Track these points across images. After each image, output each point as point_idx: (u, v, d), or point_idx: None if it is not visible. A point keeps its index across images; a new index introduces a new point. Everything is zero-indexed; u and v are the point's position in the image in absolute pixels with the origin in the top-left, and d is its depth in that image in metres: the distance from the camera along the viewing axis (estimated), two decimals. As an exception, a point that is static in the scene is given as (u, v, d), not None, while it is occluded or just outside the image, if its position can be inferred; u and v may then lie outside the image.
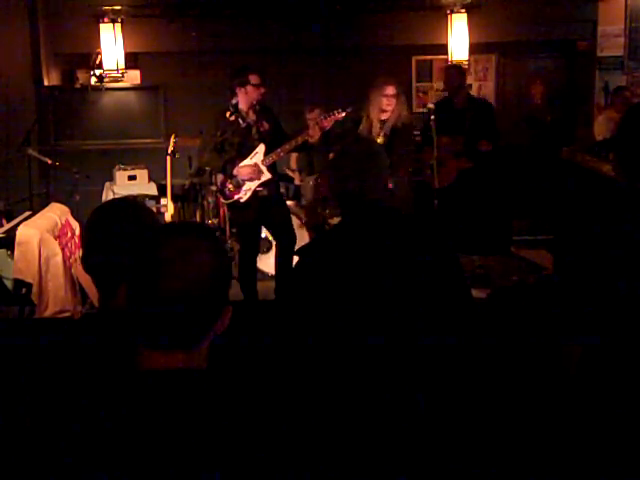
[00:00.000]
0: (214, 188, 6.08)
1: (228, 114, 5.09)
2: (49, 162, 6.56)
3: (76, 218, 5.30)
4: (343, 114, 5.19)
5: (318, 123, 5.20)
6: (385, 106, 5.33)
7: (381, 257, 2.24)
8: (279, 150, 5.16)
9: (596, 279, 2.05)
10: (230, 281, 1.38)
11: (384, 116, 5.39)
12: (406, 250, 2.27)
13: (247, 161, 5.15)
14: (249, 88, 5.05)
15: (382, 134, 5.37)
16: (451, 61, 7.82)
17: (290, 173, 6.97)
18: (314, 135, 5.10)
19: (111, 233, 1.85)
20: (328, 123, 5.17)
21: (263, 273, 5.98)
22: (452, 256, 2.35)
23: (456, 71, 6.33)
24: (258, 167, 5.15)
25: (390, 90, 5.34)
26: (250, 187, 5.18)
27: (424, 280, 2.23)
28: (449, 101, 6.19)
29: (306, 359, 2.19)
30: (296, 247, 5.47)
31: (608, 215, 2.15)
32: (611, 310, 2.04)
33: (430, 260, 2.28)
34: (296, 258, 5.74)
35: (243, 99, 5.10)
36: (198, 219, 6.80)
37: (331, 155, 6.57)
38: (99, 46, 7.57)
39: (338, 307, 2.20)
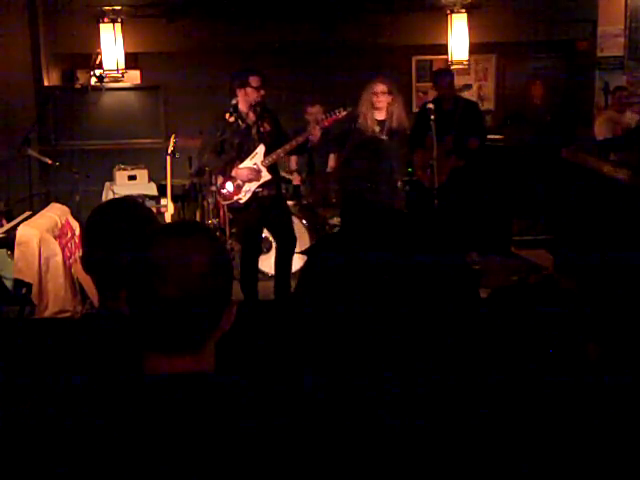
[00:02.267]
0: (214, 188, 6.08)
1: (228, 115, 5.10)
2: (49, 162, 6.56)
3: (76, 218, 5.30)
4: (344, 113, 5.19)
5: (319, 123, 5.20)
6: (375, 103, 5.29)
7: (391, 260, 2.24)
8: (279, 151, 5.16)
9: (596, 277, 2.06)
10: (232, 278, 1.36)
11: (379, 115, 5.35)
12: (415, 252, 2.28)
13: (247, 162, 5.15)
14: (249, 90, 5.06)
15: (383, 135, 5.33)
16: (452, 61, 7.84)
17: (287, 175, 6.97)
18: (315, 135, 5.10)
19: (110, 233, 1.85)
20: (329, 122, 5.17)
21: (263, 273, 5.97)
22: (460, 259, 2.36)
23: (451, 80, 6.44)
24: (257, 168, 5.15)
25: (379, 87, 5.30)
26: (249, 188, 5.18)
27: (432, 282, 2.23)
28: (438, 102, 6.22)
29: (316, 361, 2.19)
30: (296, 248, 5.47)
31: (608, 214, 2.18)
32: (613, 307, 2.05)
33: (439, 263, 2.28)
34: (301, 258, 5.73)
35: (243, 100, 5.11)
36: (198, 219, 6.79)
37: (333, 156, 6.61)
38: (99, 46, 7.58)
39: (347, 308, 2.20)
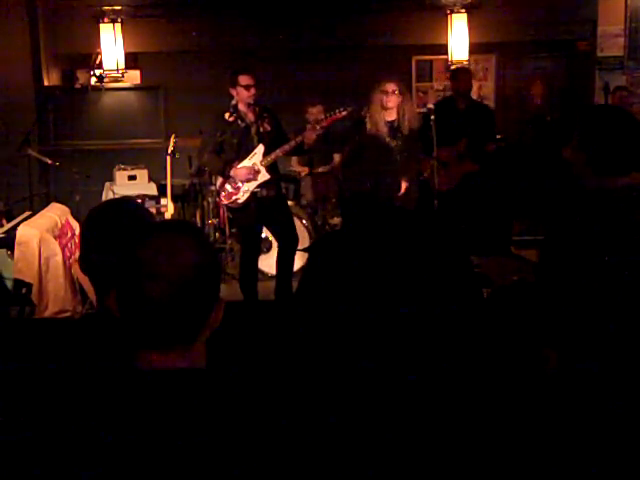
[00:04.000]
0: (214, 188, 6.09)
1: (227, 115, 5.10)
2: (49, 162, 6.57)
3: (76, 218, 5.31)
4: (344, 113, 5.18)
5: (318, 123, 5.20)
6: (385, 103, 5.21)
7: (394, 257, 2.24)
8: (278, 151, 5.16)
9: (572, 281, 2.08)
10: (219, 277, 1.37)
11: (389, 116, 5.27)
12: (418, 251, 2.27)
13: (245, 162, 5.16)
14: (239, 89, 5.08)
15: (392, 137, 5.25)
16: (452, 62, 7.83)
17: (296, 168, 6.94)
18: (310, 138, 5.09)
19: (108, 233, 1.85)
20: (328, 123, 5.17)
21: (263, 273, 5.97)
22: (464, 257, 2.36)
23: (469, 77, 6.46)
24: (256, 168, 5.15)
25: (390, 87, 5.20)
26: (248, 188, 5.18)
27: (436, 281, 2.23)
28: (451, 103, 6.16)
29: (311, 358, 2.18)
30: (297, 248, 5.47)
31: (582, 215, 2.21)
32: (586, 312, 2.07)
33: (442, 261, 2.28)
34: (302, 257, 5.68)
35: (238, 100, 5.13)
36: (198, 219, 6.80)
37: (337, 156, 6.60)
38: (99, 46, 7.57)
39: (349, 306, 2.20)
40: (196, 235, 1.36)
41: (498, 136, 6.98)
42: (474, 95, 8.23)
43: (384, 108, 5.21)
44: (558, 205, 2.50)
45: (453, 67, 7.52)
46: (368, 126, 5.22)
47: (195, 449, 1.18)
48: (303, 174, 6.81)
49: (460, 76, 6.48)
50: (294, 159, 6.91)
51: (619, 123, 2.30)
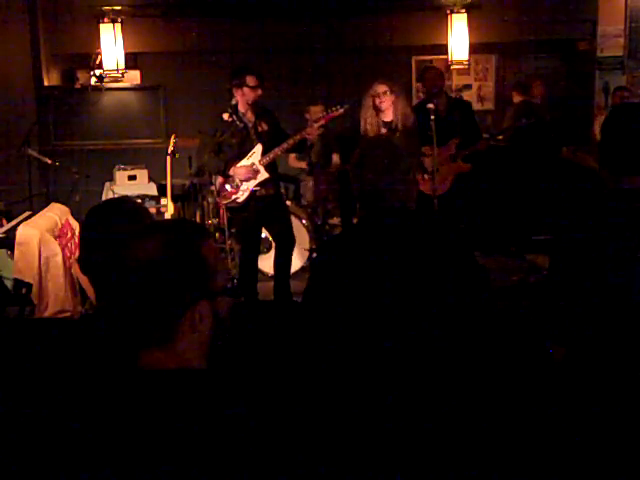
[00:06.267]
0: (214, 188, 6.09)
1: (226, 115, 5.10)
2: (49, 162, 6.57)
3: (76, 218, 5.30)
4: (341, 111, 5.18)
5: (316, 121, 5.21)
6: (379, 105, 5.18)
7: (402, 258, 2.23)
8: (277, 149, 5.16)
9: (588, 279, 2.07)
10: (196, 277, 1.33)
11: (385, 117, 5.25)
12: (427, 252, 2.27)
13: (244, 161, 5.16)
14: (246, 89, 5.07)
15: (394, 136, 5.21)
16: (452, 61, 7.82)
17: (297, 165, 6.91)
18: (312, 133, 5.10)
19: (107, 233, 1.85)
20: (326, 120, 5.18)
21: (263, 273, 5.97)
22: (473, 259, 2.36)
23: (437, 74, 6.20)
24: (255, 167, 5.15)
25: (380, 88, 5.16)
26: (247, 187, 5.19)
27: (444, 279, 2.23)
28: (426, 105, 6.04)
29: (317, 359, 2.18)
30: (295, 248, 5.47)
31: (599, 214, 2.19)
32: (599, 310, 2.06)
33: (451, 261, 2.28)
34: (300, 258, 5.68)
35: (241, 100, 5.12)
36: (198, 219, 6.80)
37: (335, 156, 6.59)
38: (99, 46, 7.57)
39: (354, 307, 2.20)
40: (171, 233, 1.35)
41: (485, 135, 6.89)
42: (474, 95, 8.23)
43: (379, 110, 5.16)
44: (571, 204, 2.47)
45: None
46: (362, 129, 5.16)
47: (177, 447, 1.18)
48: (302, 171, 6.80)
49: (427, 75, 6.21)
50: (291, 157, 6.90)
51: (636, 121, 2.22)
